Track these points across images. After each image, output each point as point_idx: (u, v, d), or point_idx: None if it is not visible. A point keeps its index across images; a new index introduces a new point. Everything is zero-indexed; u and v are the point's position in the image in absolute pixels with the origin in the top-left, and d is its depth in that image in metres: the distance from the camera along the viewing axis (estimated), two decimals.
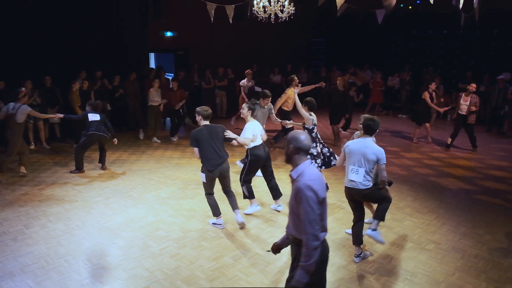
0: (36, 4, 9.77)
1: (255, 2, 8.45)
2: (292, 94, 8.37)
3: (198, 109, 5.58)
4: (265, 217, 6.09)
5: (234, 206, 5.78)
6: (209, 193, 5.68)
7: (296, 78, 8.71)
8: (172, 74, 14.20)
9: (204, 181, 5.58)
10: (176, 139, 10.57)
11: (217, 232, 5.60)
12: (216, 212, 5.71)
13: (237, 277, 4.53)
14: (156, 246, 5.20)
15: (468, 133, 9.73)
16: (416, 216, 6.21)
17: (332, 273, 4.63)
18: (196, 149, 5.45)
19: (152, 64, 15.99)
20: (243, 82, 11.57)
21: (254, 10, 8.65)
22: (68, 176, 7.69)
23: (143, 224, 5.78)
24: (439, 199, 6.90)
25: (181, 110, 10.54)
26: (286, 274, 4.59)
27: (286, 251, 5.07)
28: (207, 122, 5.52)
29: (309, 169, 2.99)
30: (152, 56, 15.96)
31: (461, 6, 7.22)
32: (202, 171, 5.55)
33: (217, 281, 4.45)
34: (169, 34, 13.93)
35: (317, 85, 9.89)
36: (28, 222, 5.78)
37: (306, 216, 2.86)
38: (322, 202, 2.91)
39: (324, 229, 3.00)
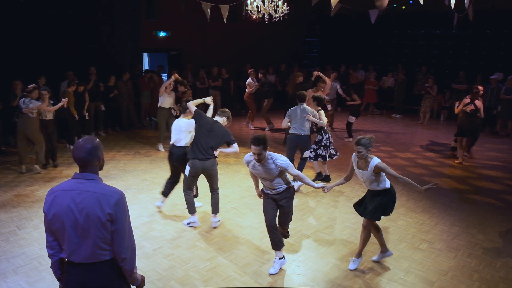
0: (27, 4, 9.67)
1: (248, 2, 8.43)
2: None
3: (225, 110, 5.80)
4: (259, 218, 6.09)
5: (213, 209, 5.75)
6: (188, 189, 5.69)
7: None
8: (166, 74, 14.16)
9: (186, 175, 5.58)
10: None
11: (211, 232, 5.59)
12: (192, 210, 5.71)
13: (231, 277, 4.53)
14: (150, 246, 5.18)
15: None
16: (410, 215, 6.24)
17: (325, 273, 4.64)
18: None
19: (146, 65, 15.94)
20: (250, 81, 11.75)
21: (248, 10, 8.63)
22: (61, 177, 7.64)
23: (137, 225, 5.76)
24: (433, 199, 6.93)
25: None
26: (280, 275, 4.61)
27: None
28: (218, 118, 5.66)
29: (67, 181, 2.73)
30: (145, 56, 15.89)
31: (453, 6, 7.24)
32: (188, 164, 5.57)
33: (211, 281, 4.44)
34: (162, 34, 13.88)
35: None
36: (21, 223, 5.74)
37: None
38: (45, 216, 2.63)
39: (66, 253, 2.63)
